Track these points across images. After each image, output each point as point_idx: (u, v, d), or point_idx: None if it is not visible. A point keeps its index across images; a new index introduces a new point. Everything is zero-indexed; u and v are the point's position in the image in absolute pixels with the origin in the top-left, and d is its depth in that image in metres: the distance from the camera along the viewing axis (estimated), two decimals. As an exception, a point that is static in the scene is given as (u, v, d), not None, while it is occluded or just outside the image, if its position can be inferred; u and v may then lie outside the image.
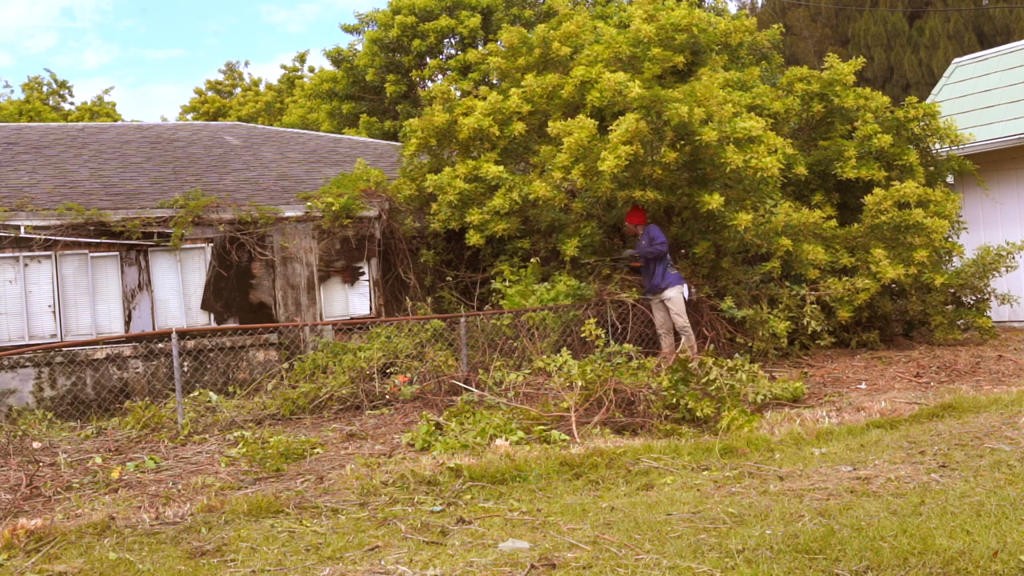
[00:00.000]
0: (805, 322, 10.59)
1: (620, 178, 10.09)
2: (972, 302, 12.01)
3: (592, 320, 8.84)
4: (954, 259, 12.02)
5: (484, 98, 11.52)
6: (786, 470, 5.86)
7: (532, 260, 10.88)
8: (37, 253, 10.69)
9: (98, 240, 10.86)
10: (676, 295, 10.03)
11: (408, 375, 9.72)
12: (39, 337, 10.65)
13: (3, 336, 10.51)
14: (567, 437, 7.21)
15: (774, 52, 16.36)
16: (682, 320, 9.95)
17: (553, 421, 7.63)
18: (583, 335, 9.56)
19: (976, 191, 13.43)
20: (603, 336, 8.84)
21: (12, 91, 39.86)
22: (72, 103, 33.31)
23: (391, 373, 9.84)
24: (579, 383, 7.95)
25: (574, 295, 10.44)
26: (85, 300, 10.86)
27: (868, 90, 12.41)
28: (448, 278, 12.03)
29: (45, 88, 33.02)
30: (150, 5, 66.15)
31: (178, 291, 11.23)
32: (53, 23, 68.98)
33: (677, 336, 10.07)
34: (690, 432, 7.28)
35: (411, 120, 12.09)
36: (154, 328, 11.03)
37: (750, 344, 10.47)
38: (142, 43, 69.33)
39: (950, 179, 13.25)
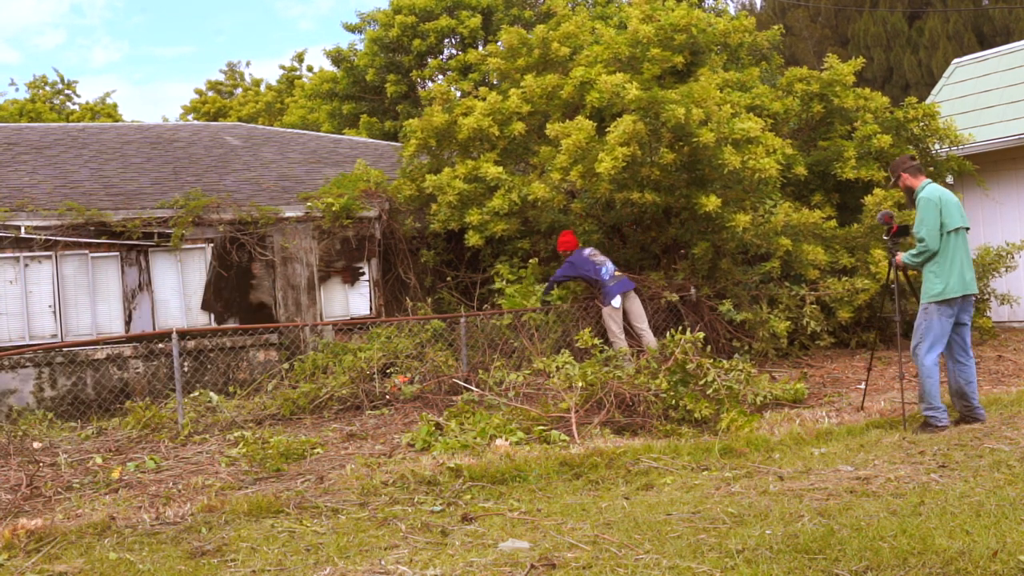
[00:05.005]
0: (805, 322, 10.59)
1: (618, 179, 10.09)
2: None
3: (587, 329, 8.87)
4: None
5: (484, 98, 11.52)
6: (786, 470, 5.87)
7: (531, 260, 10.89)
8: (37, 253, 10.70)
9: (98, 240, 10.87)
10: (604, 316, 10.17)
11: (408, 375, 9.72)
12: (39, 337, 10.66)
13: (3, 336, 10.52)
14: (567, 437, 7.22)
15: (774, 53, 16.38)
16: (609, 336, 10.06)
17: (553, 421, 7.63)
18: (577, 343, 9.54)
19: (976, 191, 13.43)
20: (599, 344, 8.87)
21: (17, 89, 39.88)
22: (77, 103, 33.28)
23: (391, 373, 9.85)
24: (579, 384, 7.95)
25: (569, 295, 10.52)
26: (85, 300, 10.86)
27: (868, 90, 12.42)
28: (448, 278, 12.04)
29: (49, 88, 32.98)
30: (157, 3, 66.24)
31: (178, 291, 11.23)
32: (62, 20, 69.10)
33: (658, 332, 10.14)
34: (690, 432, 7.29)
35: (411, 120, 12.09)
36: (154, 328, 11.04)
37: (749, 345, 10.48)
38: (152, 40, 69.45)
39: (950, 179, 13.26)
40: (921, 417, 6.98)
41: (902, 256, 7.22)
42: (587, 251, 10.29)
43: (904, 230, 7.55)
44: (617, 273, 10.17)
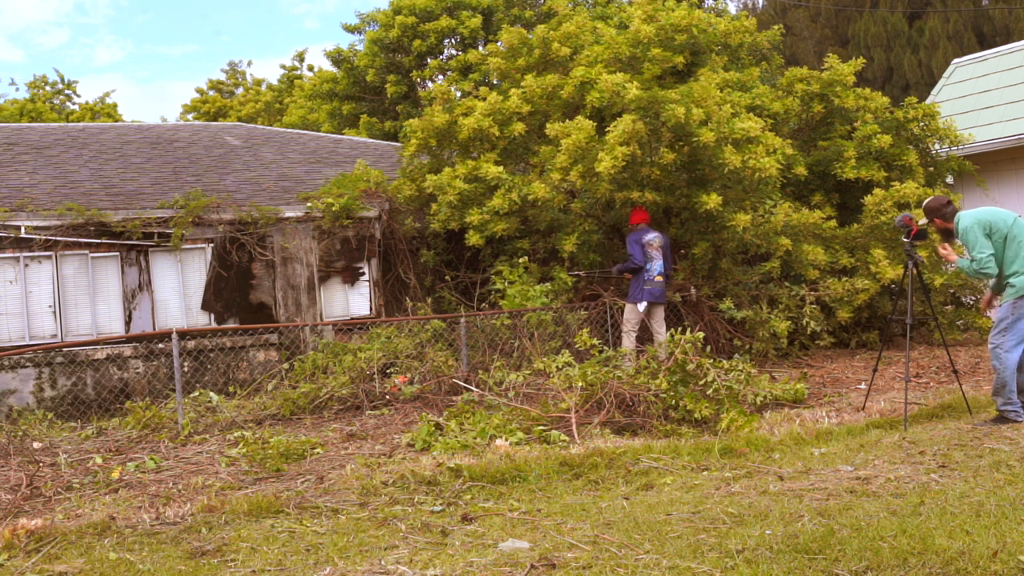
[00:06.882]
0: (805, 322, 10.60)
1: (618, 179, 10.10)
2: (972, 302, 12.02)
3: (585, 330, 8.87)
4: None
5: (484, 99, 11.53)
6: (786, 470, 5.87)
7: (521, 260, 10.85)
8: (37, 253, 10.70)
9: (98, 240, 10.87)
10: (626, 309, 10.18)
11: (408, 375, 9.72)
12: (39, 337, 10.66)
13: (3, 336, 10.52)
14: (567, 437, 7.22)
15: (774, 53, 16.37)
16: (623, 327, 10.15)
17: (553, 422, 7.63)
18: (577, 346, 9.53)
19: (976, 191, 13.43)
20: (598, 344, 8.87)
21: (17, 89, 39.85)
22: (77, 103, 33.26)
23: (391, 373, 9.85)
24: (579, 384, 7.95)
25: (566, 291, 10.50)
26: (85, 300, 10.86)
27: (868, 90, 12.42)
28: (448, 278, 12.04)
29: (49, 87, 32.96)
30: (161, 1, 66.34)
31: (178, 291, 11.23)
32: (65, 19, 69.17)
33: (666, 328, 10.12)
34: (690, 432, 7.29)
35: (411, 120, 12.10)
36: (154, 328, 11.04)
37: (750, 345, 10.48)
38: (156, 39, 69.58)
39: (950, 179, 13.26)
40: (996, 412, 7.00)
41: (958, 261, 7.19)
42: (649, 236, 10.10)
43: (922, 233, 7.55)
44: (659, 278, 10.02)
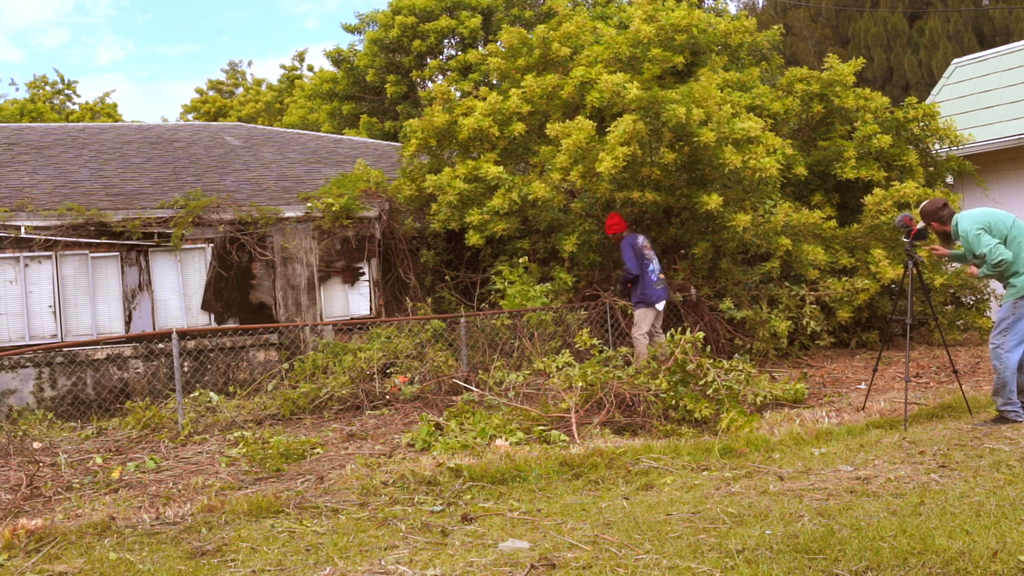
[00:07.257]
0: (805, 322, 10.60)
1: (618, 179, 10.10)
2: (972, 302, 12.02)
3: (585, 330, 8.87)
4: (953, 259, 12.04)
5: (484, 99, 11.53)
6: (786, 470, 5.87)
7: (521, 260, 10.85)
8: (37, 253, 10.70)
9: (98, 240, 10.87)
10: (638, 313, 10.00)
11: (408, 375, 9.72)
12: (39, 337, 10.66)
13: (3, 336, 10.52)
14: (567, 437, 7.22)
15: (774, 53, 16.37)
16: (635, 332, 9.95)
17: (553, 422, 7.63)
18: (577, 346, 9.52)
19: (976, 191, 13.43)
20: (598, 344, 8.85)
21: (17, 89, 39.82)
22: (77, 103, 33.25)
23: (391, 373, 9.85)
24: (579, 384, 7.95)
25: (566, 291, 10.49)
26: (85, 300, 10.86)
27: (868, 91, 12.42)
28: (448, 278, 12.05)
29: (49, 88, 32.95)
30: (162, 1, 66.35)
31: (178, 291, 11.23)
32: (66, 19, 69.19)
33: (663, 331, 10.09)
34: (690, 432, 7.29)
35: (411, 120, 12.10)
36: (154, 328, 11.04)
37: (750, 345, 10.48)
38: (157, 39, 69.60)
39: (950, 179, 13.26)
40: (996, 412, 6.99)
41: (977, 271, 7.17)
42: (641, 239, 10.02)
43: (922, 233, 7.53)
44: (662, 275, 10.03)
